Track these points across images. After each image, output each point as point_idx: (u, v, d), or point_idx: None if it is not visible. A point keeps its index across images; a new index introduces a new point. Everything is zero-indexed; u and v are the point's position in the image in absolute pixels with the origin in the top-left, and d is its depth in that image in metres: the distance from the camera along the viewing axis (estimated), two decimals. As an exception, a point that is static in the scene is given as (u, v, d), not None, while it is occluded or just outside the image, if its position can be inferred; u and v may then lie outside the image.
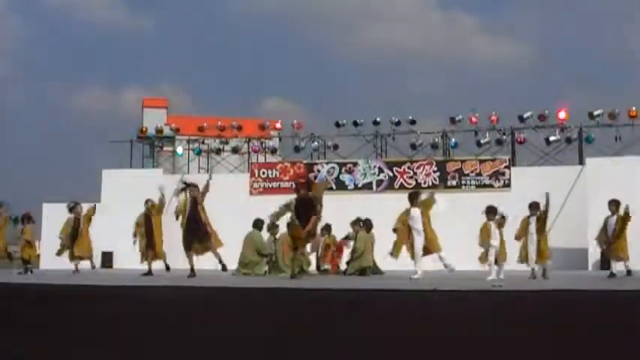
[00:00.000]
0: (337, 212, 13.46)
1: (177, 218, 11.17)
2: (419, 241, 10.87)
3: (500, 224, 11.01)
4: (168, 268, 12.94)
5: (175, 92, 66.14)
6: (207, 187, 10.98)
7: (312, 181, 11.11)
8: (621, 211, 11.45)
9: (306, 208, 10.52)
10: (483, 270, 11.13)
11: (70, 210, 13.53)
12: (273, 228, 13.33)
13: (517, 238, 10.90)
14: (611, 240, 11.45)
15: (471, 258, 11.64)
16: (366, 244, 13.60)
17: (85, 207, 13.82)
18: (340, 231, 14.34)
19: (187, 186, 11.08)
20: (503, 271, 10.85)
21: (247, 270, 13.08)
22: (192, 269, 10.70)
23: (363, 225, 13.96)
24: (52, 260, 14.59)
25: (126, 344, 4.28)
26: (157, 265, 12.97)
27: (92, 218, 13.56)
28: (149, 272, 12.33)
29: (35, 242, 14.59)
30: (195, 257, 10.92)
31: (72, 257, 13.35)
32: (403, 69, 75.67)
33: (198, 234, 10.85)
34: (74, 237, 13.32)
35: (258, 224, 13.65)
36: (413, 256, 10.96)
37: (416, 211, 10.94)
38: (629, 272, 11.18)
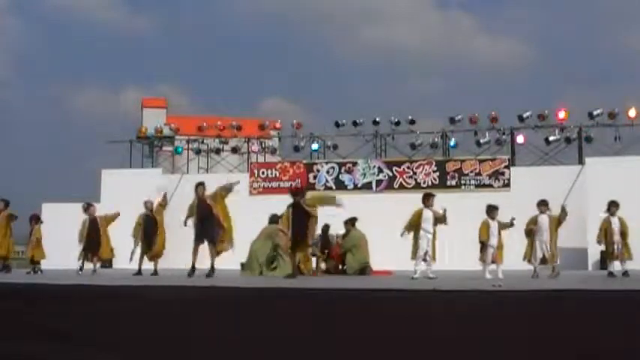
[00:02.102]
0: (337, 212, 13.44)
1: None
2: (424, 242, 10.84)
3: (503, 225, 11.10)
4: (156, 272, 12.61)
5: (175, 92, 66.16)
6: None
7: (307, 188, 11.29)
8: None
9: (298, 218, 10.70)
10: (481, 269, 11.15)
11: (85, 210, 13.54)
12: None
13: (528, 234, 11.10)
14: (620, 241, 11.65)
15: (471, 258, 11.65)
16: (357, 242, 13.44)
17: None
18: (340, 231, 14.31)
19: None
20: (501, 270, 10.87)
21: (246, 269, 13.21)
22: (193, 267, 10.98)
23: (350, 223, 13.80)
24: (52, 260, 14.57)
25: (126, 344, 4.28)
26: (156, 265, 12.89)
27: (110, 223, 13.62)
28: (139, 272, 12.38)
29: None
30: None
31: (92, 258, 13.27)
32: (403, 69, 75.70)
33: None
34: (93, 238, 13.29)
35: (274, 219, 13.67)
36: (415, 256, 10.95)
37: (428, 212, 10.92)
38: (626, 272, 11.32)
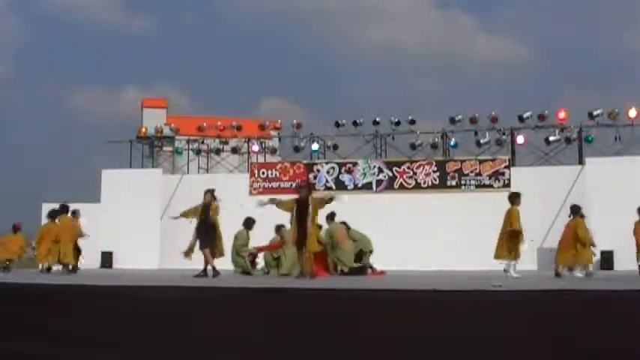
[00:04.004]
0: (337, 213, 13.43)
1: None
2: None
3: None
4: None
5: (175, 92, 66.00)
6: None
7: (312, 187, 11.37)
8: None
9: (301, 215, 10.76)
10: (483, 269, 11.16)
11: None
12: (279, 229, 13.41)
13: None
14: None
15: (471, 258, 11.67)
16: (333, 235, 12.94)
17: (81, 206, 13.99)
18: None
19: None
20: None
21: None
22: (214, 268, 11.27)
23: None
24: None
25: (126, 344, 4.28)
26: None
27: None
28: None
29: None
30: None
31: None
32: (403, 69, 75.65)
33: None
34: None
35: (248, 223, 13.70)
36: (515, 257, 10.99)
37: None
38: None
